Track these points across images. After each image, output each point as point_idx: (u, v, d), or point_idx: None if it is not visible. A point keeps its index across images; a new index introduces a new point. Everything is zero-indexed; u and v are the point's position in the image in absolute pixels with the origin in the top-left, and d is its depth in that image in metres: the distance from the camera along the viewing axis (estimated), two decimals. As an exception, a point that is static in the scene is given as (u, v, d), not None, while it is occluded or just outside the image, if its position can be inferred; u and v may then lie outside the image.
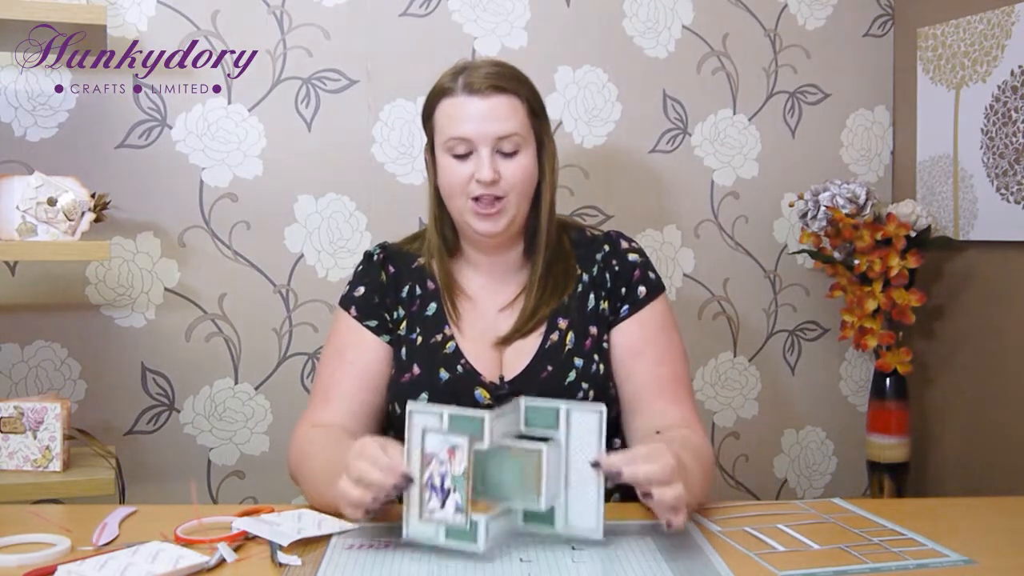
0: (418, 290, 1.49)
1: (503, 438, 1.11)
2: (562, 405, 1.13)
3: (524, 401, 1.16)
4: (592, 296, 1.47)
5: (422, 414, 1.09)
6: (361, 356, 1.45)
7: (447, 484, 1.08)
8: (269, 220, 2.00)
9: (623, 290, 1.47)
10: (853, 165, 2.27)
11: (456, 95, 1.41)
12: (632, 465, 1.09)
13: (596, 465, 1.10)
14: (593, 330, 1.45)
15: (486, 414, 1.07)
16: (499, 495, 1.11)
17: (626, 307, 1.46)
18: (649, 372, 1.43)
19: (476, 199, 1.40)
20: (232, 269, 1.99)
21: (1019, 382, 1.96)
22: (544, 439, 1.11)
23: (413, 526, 1.10)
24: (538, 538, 1.15)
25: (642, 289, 1.47)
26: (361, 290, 1.49)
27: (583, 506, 1.12)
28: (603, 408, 1.11)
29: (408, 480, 1.08)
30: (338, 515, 1.19)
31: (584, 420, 1.12)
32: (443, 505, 1.08)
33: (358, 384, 1.43)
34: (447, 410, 1.09)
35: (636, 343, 1.45)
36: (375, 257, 1.52)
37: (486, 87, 1.40)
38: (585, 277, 1.48)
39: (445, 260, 1.49)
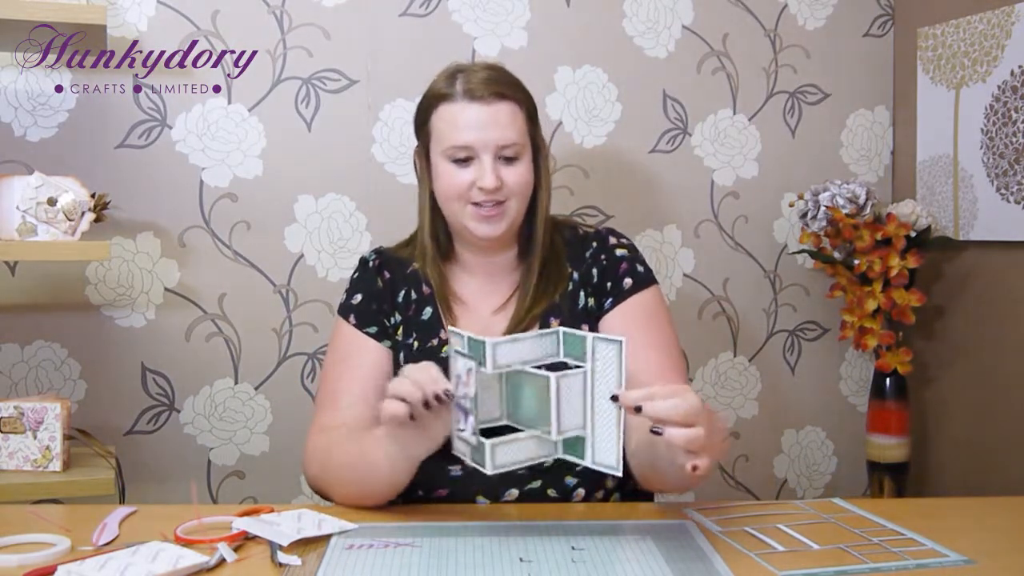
0: (413, 295, 1.49)
1: (525, 364, 1.11)
2: (589, 335, 1.09)
3: (561, 329, 1.13)
4: (582, 294, 1.47)
5: (455, 335, 1.13)
6: (366, 361, 1.44)
7: (466, 405, 1.11)
8: (269, 220, 2.00)
9: (609, 284, 1.46)
10: (853, 165, 2.27)
11: (455, 101, 1.40)
12: (651, 401, 1.04)
13: (615, 399, 1.06)
14: (585, 328, 1.44)
15: (488, 339, 1.08)
16: (526, 421, 1.12)
17: (610, 300, 1.45)
18: (637, 357, 1.34)
19: (476, 204, 1.40)
20: (232, 269, 1.99)
21: (1019, 382, 1.96)
22: (577, 367, 1.09)
23: (454, 443, 1.15)
24: (538, 538, 1.15)
25: (628, 281, 1.45)
26: (359, 297, 1.49)
27: (606, 441, 1.08)
28: (624, 339, 1.06)
29: (447, 395, 1.11)
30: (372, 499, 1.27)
31: (605, 351, 1.07)
32: (467, 425, 1.11)
33: (366, 388, 1.42)
34: (468, 332, 1.11)
35: (620, 331, 1.38)
36: (371, 263, 1.52)
37: (488, 94, 1.39)
38: (576, 275, 1.47)
39: (438, 264, 1.48)
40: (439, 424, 1.15)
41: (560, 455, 1.14)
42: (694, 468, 1.05)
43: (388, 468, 1.23)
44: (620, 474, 1.08)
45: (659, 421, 1.04)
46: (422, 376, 1.12)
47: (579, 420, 1.09)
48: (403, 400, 1.11)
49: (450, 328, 1.16)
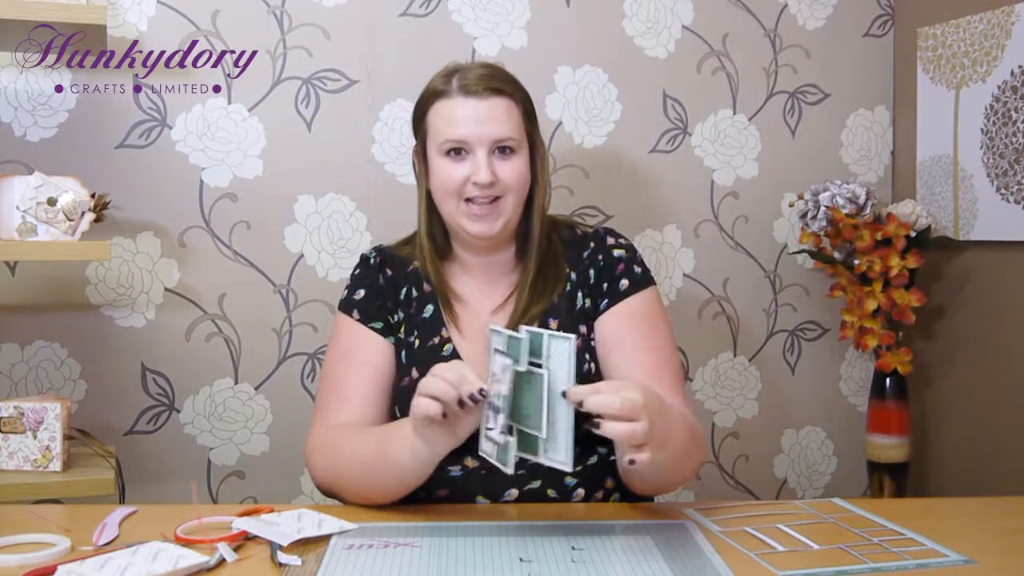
0: (414, 293, 1.48)
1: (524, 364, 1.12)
2: (545, 332, 1.11)
3: (524, 328, 1.14)
4: (579, 295, 1.46)
5: (496, 334, 1.14)
6: (371, 357, 1.44)
7: (498, 404, 1.11)
8: (269, 220, 2.00)
9: (605, 285, 1.45)
10: (853, 165, 2.27)
11: (451, 97, 1.40)
12: (592, 395, 1.07)
13: (564, 395, 1.08)
14: (583, 329, 1.44)
15: (527, 332, 1.09)
16: (525, 420, 1.12)
17: (605, 301, 1.45)
18: (631, 358, 1.39)
19: (470, 200, 1.40)
20: (232, 269, 1.99)
21: (1019, 382, 1.96)
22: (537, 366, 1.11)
23: (481, 442, 1.15)
24: (538, 538, 1.15)
25: (624, 282, 1.45)
26: (361, 293, 1.48)
27: (558, 437, 1.10)
28: (573, 337, 1.08)
29: (482, 395, 1.11)
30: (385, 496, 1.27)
31: (558, 348, 1.09)
32: (496, 424, 1.11)
33: (372, 385, 1.42)
34: (507, 331, 1.12)
35: (615, 332, 1.42)
36: (372, 260, 1.52)
37: (482, 89, 1.39)
38: (573, 276, 1.47)
39: (437, 264, 1.48)
40: (468, 422, 1.16)
41: (517, 452, 1.15)
42: (631, 462, 1.09)
43: (408, 464, 1.22)
44: (571, 469, 1.09)
45: (599, 415, 1.07)
46: (454, 376, 1.12)
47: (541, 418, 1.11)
48: (436, 399, 1.12)
49: (491, 326, 1.17)
